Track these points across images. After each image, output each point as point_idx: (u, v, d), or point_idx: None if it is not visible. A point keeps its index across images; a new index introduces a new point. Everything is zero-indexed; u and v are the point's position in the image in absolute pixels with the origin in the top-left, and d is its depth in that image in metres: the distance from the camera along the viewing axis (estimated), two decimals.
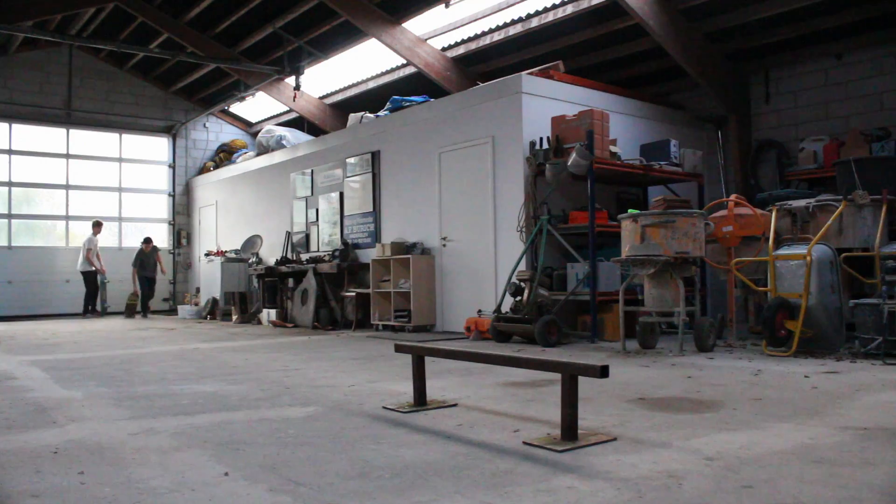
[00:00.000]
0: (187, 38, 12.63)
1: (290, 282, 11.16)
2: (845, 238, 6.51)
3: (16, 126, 13.90)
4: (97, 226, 13.69)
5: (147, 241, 13.78)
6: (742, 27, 8.60)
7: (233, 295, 12.45)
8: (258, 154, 13.72)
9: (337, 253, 10.56)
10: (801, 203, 6.90)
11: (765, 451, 2.76)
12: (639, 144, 8.61)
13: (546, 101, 8.20)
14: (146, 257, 13.74)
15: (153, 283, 13.89)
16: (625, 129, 8.74)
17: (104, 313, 13.66)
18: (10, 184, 13.85)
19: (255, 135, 15.65)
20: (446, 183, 9.06)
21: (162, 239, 15.51)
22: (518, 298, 7.33)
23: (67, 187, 14.39)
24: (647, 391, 4.22)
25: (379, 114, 10.65)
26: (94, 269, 13.41)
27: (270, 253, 12.66)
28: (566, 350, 6.64)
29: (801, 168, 8.47)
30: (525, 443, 2.93)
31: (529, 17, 9.44)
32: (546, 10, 9.20)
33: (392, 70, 11.94)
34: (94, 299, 13.59)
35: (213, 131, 16.13)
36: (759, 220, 6.84)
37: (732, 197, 7.22)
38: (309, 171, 11.83)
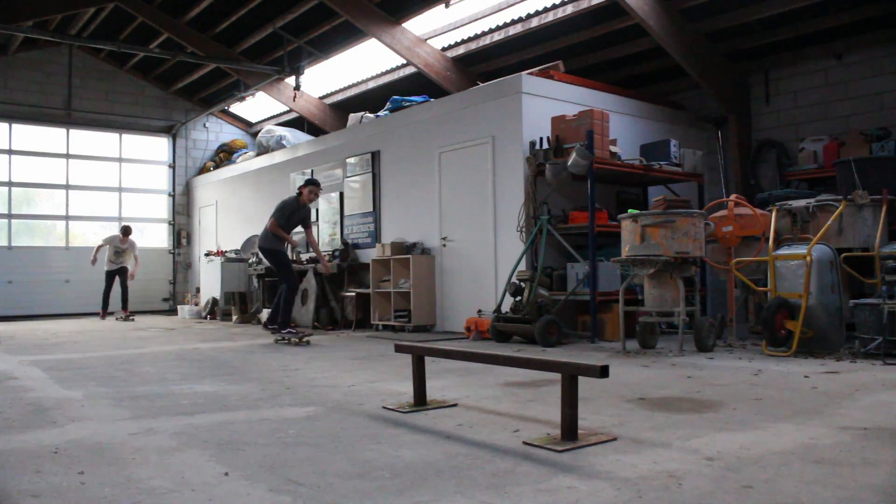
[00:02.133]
0: (187, 38, 12.63)
1: None
2: (845, 238, 6.51)
3: (16, 126, 13.90)
4: (124, 234, 12.82)
5: (312, 182, 8.18)
6: (742, 27, 8.60)
7: (233, 295, 12.44)
8: (258, 154, 13.72)
9: (337, 253, 10.56)
10: (801, 203, 6.90)
11: (765, 451, 2.76)
12: (639, 144, 8.61)
13: (546, 101, 8.20)
14: (301, 210, 8.21)
15: (279, 263, 8.10)
16: (625, 129, 8.74)
17: (104, 314, 13.18)
18: (10, 184, 13.85)
19: (255, 135, 15.65)
20: (446, 183, 9.06)
21: (162, 239, 15.52)
22: (518, 298, 7.32)
23: (67, 187, 14.39)
24: (647, 391, 4.22)
25: (379, 114, 10.64)
26: (111, 268, 12.72)
27: None
28: (566, 350, 6.64)
29: (801, 168, 8.47)
30: (525, 443, 2.93)
31: (529, 17, 9.44)
32: (546, 10, 9.20)
33: (392, 70, 11.94)
34: (124, 297, 12.90)
35: (213, 131, 16.13)
36: (759, 220, 6.84)
37: (732, 197, 7.22)
38: (309, 171, 11.82)
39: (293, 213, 8.07)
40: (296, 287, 8.13)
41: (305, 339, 7.71)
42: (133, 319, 12.50)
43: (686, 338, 6.33)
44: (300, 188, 8.18)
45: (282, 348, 7.33)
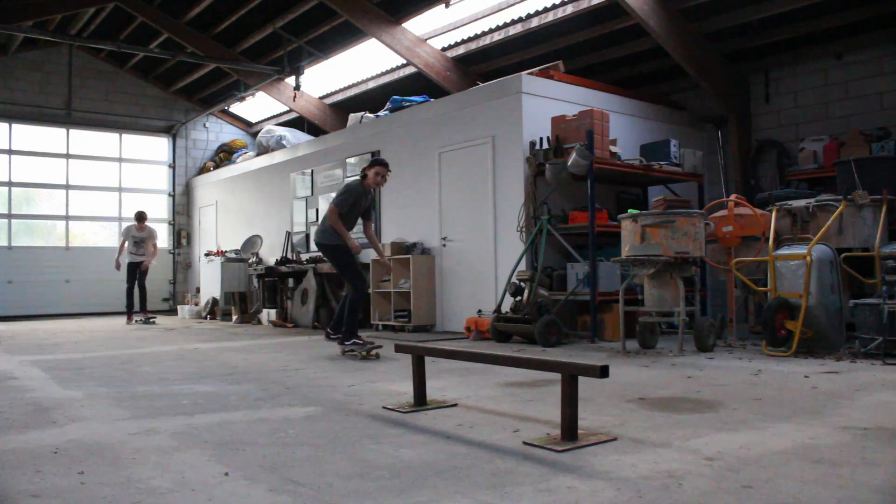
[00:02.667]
0: (187, 38, 12.63)
1: (290, 282, 11.16)
2: (845, 238, 6.51)
3: (16, 126, 13.90)
4: (139, 220, 11.87)
5: (379, 162, 6.62)
6: (742, 27, 8.60)
7: (233, 295, 12.45)
8: (258, 154, 13.72)
9: None
10: (801, 203, 6.90)
11: (765, 451, 2.76)
12: (639, 144, 8.61)
13: (546, 101, 8.20)
14: (366, 197, 6.64)
15: (341, 261, 6.56)
16: (625, 129, 8.74)
17: (130, 317, 11.72)
18: (10, 184, 13.85)
19: (255, 135, 15.65)
20: (446, 183, 9.06)
21: (162, 239, 15.51)
22: (518, 298, 7.32)
23: (67, 187, 14.39)
24: (647, 391, 4.21)
25: (379, 114, 10.64)
26: (134, 259, 11.72)
27: (270, 253, 12.66)
28: (566, 350, 6.64)
29: (801, 168, 8.47)
30: (525, 443, 2.93)
31: (529, 17, 9.44)
32: (546, 10, 9.20)
33: (392, 70, 11.94)
34: (142, 296, 11.81)
35: (213, 131, 16.13)
36: (759, 220, 6.84)
37: (732, 197, 7.22)
38: (309, 171, 11.83)
39: (358, 199, 6.49)
40: (364, 289, 6.63)
41: (374, 351, 6.26)
42: (154, 321, 11.64)
43: (686, 338, 6.33)
44: (364, 170, 6.61)
45: (282, 348, 7.33)
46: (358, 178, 6.65)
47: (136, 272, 11.80)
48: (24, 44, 13.47)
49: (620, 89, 9.31)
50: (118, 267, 11.82)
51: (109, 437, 3.17)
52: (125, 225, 12.30)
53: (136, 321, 11.57)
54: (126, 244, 11.88)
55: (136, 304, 11.76)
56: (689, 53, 8.66)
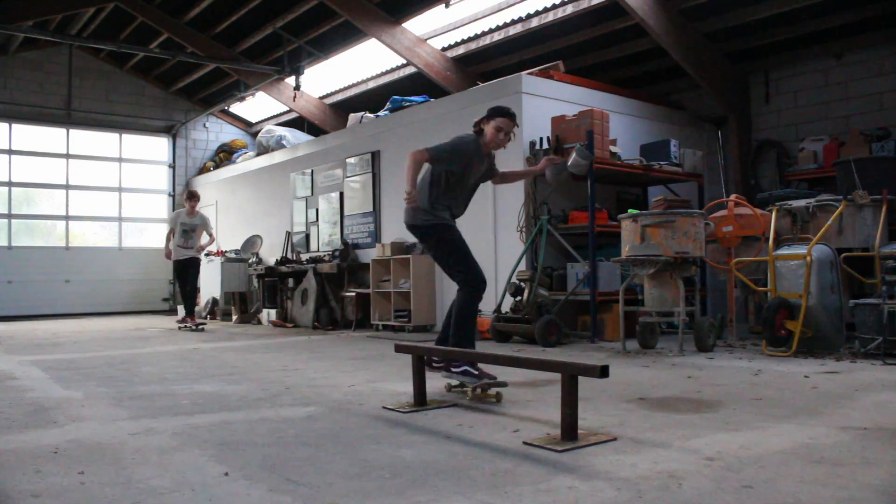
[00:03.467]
0: (187, 38, 12.63)
1: (290, 282, 11.16)
2: (845, 238, 6.51)
3: (16, 126, 13.89)
4: (191, 199, 10.21)
5: (502, 111, 4.55)
6: (742, 27, 8.60)
7: (233, 295, 12.44)
8: (258, 154, 13.72)
9: (337, 253, 10.57)
10: (801, 203, 6.90)
11: (765, 451, 2.76)
12: (639, 144, 8.61)
13: (546, 101, 8.19)
14: (483, 161, 4.79)
15: (440, 245, 4.82)
16: (625, 129, 8.74)
17: (193, 318, 10.04)
18: (10, 184, 13.85)
19: (255, 135, 15.65)
20: None
21: (162, 239, 15.48)
22: (518, 298, 7.32)
23: (67, 187, 14.39)
24: (647, 391, 4.21)
25: (379, 114, 10.65)
26: (180, 256, 9.99)
27: (270, 253, 12.65)
28: (566, 350, 6.64)
29: (801, 168, 8.47)
30: (525, 443, 2.93)
31: (529, 17, 9.45)
32: (546, 10, 9.20)
33: (392, 70, 11.94)
34: (190, 299, 10.08)
35: (213, 131, 16.12)
36: (759, 220, 6.84)
37: (732, 197, 7.22)
38: (309, 171, 11.82)
39: (470, 161, 4.53)
40: (476, 283, 4.36)
41: (494, 391, 3.98)
42: (203, 329, 9.95)
43: (686, 338, 6.33)
44: (479, 123, 4.55)
45: (282, 348, 7.31)
46: (473, 133, 4.56)
47: (187, 271, 9.99)
48: (24, 44, 13.47)
49: (620, 89, 9.31)
50: (169, 256, 10.12)
51: (109, 437, 3.17)
52: (174, 211, 10.28)
53: (182, 328, 10.02)
54: (174, 234, 10.04)
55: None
56: (689, 53, 8.66)
